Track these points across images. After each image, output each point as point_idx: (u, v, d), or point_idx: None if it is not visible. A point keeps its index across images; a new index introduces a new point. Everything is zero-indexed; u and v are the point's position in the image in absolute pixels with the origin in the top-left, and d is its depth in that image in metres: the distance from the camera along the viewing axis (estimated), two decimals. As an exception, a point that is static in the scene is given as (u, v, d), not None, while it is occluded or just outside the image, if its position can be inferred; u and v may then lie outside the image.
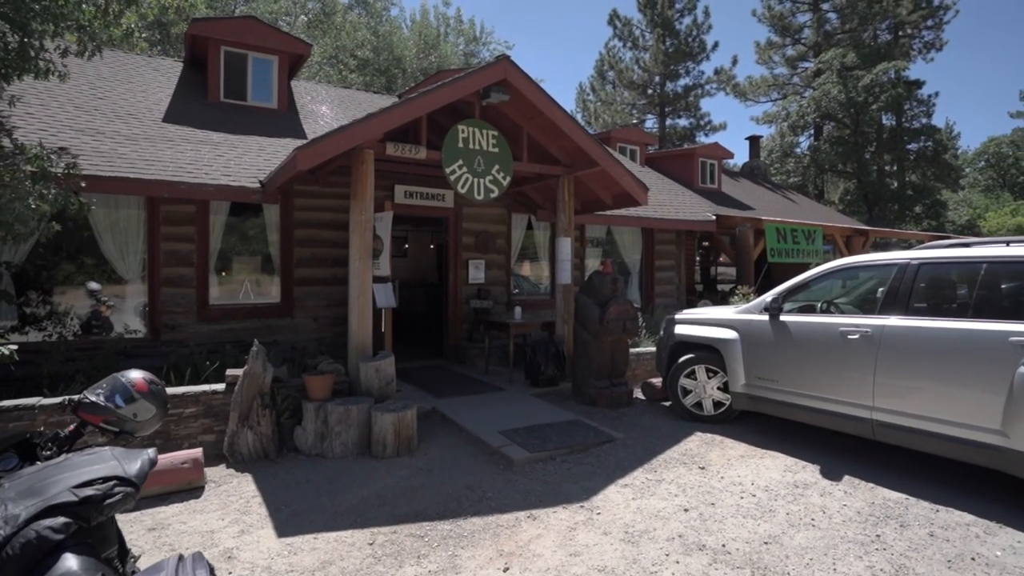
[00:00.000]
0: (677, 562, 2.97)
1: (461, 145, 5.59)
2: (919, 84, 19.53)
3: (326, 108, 9.12)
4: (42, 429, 2.30)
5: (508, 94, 5.61)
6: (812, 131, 22.29)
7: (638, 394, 6.20)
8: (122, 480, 1.87)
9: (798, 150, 22.59)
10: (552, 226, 8.37)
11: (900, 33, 21.15)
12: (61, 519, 1.70)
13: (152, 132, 6.55)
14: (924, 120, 20.04)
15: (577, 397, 5.80)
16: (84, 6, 4.50)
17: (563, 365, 6.16)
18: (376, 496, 3.88)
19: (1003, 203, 23.95)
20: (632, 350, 6.40)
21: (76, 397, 2.28)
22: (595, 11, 63.60)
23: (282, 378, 4.93)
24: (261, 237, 6.66)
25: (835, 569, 2.86)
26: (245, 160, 6.46)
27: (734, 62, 24.22)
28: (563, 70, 64.84)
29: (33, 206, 3.42)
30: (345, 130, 4.74)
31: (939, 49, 21.00)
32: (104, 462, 1.92)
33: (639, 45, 24.06)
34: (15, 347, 4.36)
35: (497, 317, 6.98)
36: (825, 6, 22.31)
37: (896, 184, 20.30)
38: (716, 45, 23.70)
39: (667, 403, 5.73)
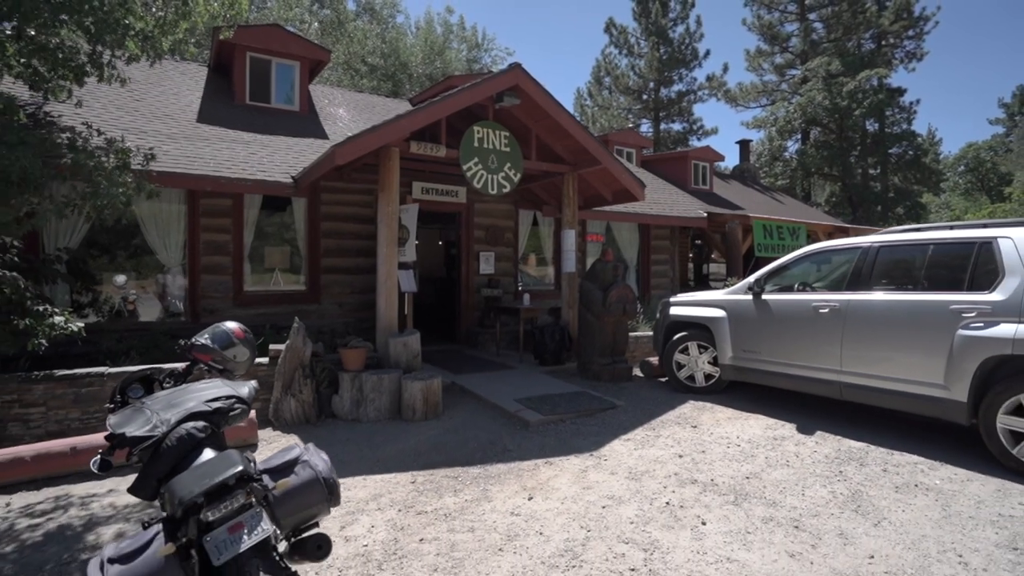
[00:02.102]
0: (673, 491, 3.56)
1: (477, 144, 6.19)
2: (901, 91, 20.42)
3: (343, 111, 9.69)
4: (161, 366, 2.87)
5: (519, 98, 6.21)
6: (799, 135, 23.15)
7: (637, 372, 6.80)
8: (239, 399, 2.49)
9: (786, 154, 23.45)
10: (556, 221, 8.99)
11: (883, 43, 22.07)
12: (201, 422, 2.33)
13: (189, 131, 7.08)
14: (904, 126, 20.93)
15: (582, 373, 6.39)
16: (145, 18, 5.05)
17: (569, 346, 6.75)
18: (411, 450, 4.45)
19: (980, 206, 24.94)
20: (631, 334, 7.01)
21: (190, 341, 2.90)
22: (592, 19, 64.87)
23: (319, 353, 5.49)
24: (290, 229, 7.21)
25: (803, 494, 3.46)
26: (276, 158, 7.01)
27: (725, 69, 25.08)
28: (561, 75, 65.97)
29: (121, 191, 3.97)
30: (377, 129, 5.32)
31: (919, 59, 21.94)
32: (220, 388, 2.54)
33: (634, 52, 24.88)
34: (82, 324, 4.92)
35: (507, 304, 7.57)
36: (812, 16, 23.20)
37: (879, 187, 21.17)
38: (708, 53, 24.57)
39: (663, 379, 6.33)
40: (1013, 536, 2.89)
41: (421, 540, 3.07)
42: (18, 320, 4.65)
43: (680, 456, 4.14)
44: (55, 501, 3.79)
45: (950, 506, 3.23)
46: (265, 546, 1.90)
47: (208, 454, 2.25)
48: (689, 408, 5.31)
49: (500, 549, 2.94)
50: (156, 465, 2.24)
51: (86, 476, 4.14)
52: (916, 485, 3.52)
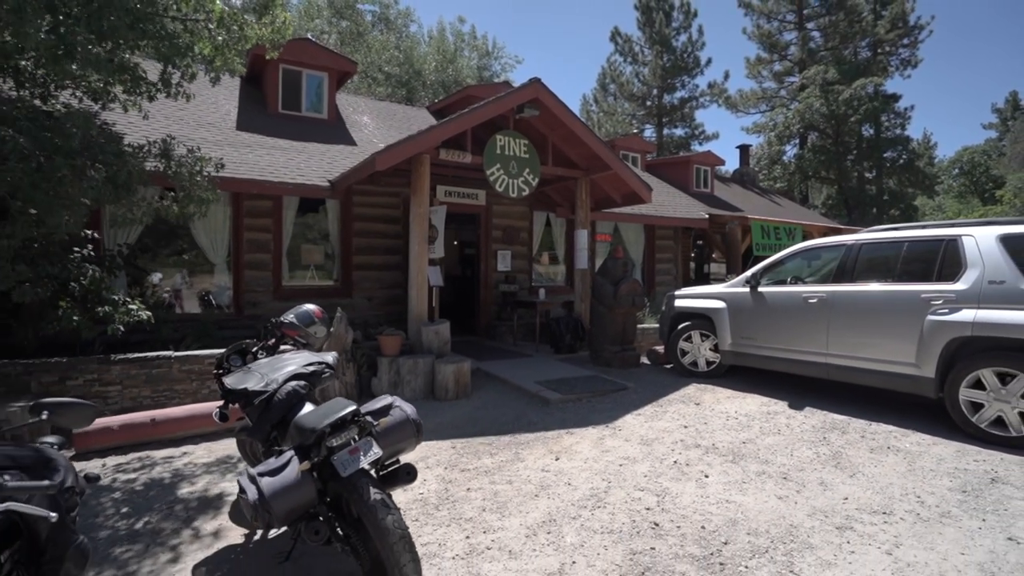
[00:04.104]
0: (680, 453, 4.15)
1: (499, 152, 6.78)
2: (896, 98, 21.07)
3: (367, 118, 10.30)
4: (253, 341, 3.47)
5: (538, 110, 6.81)
6: (797, 140, 23.81)
7: (644, 360, 7.38)
8: (327, 365, 3.11)
9: (784, 158, 24.10)
10: (568, 222, 9.59)
11: (879, 51, 22.73)
12: (302, 381, 2.94)
13: (231, 139, 7.69)
14: (899, 131, 21.58)
15: (594, 360, 6.98)
16: (204, 41, 5.65)
17: (582, 336, 7.34)
18: (447, 423, 5.03)
19: (973, 208, 25.57)
20: (639, 325, 7.59)
21: (279, 319, 3.53)
22: (598, 27, 66.04)
23: (359, 340, 6.08)
24: (324, 229, 7.82)
25: (792, 455, 4.05)
26: (312, 163, 7.61)
27: (726, 76, 25.89)
28: (567, 81, 67.13)
29: (207, 195, 4.58)
30: (413, 139, 5.93)
31: (914, 66, 22.59)
32: (310, 356, 3.16)
33: (639, 60, 25.58)
34: (150, 313, 5.52)
35: (524, 298, 8.17)
36: (810, 25, 23.88)
37: (874, 190, 21.79)
38: (709, 61, 25.28)
39: (669, 365, 6.91)
40: (964, 483, 3.47)
41: (468, 489, 3.66)
42: (98, 308, 5.26)
43: (685, 427, 4.72)
44: (141, 462, 4.39)
45: (915, 463, 3.81)
46: (367, 472, 2.49)
47: (309, 406, 2.85)
48: (692, 389, 5.90)
49: (536, 495, 3.53)
50: (270, 414, 2.86)
51: (164, 444, 4.74)
52: (888, 448, 4.11)
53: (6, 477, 1.70)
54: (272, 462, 2.43)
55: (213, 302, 7.13)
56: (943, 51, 65.09)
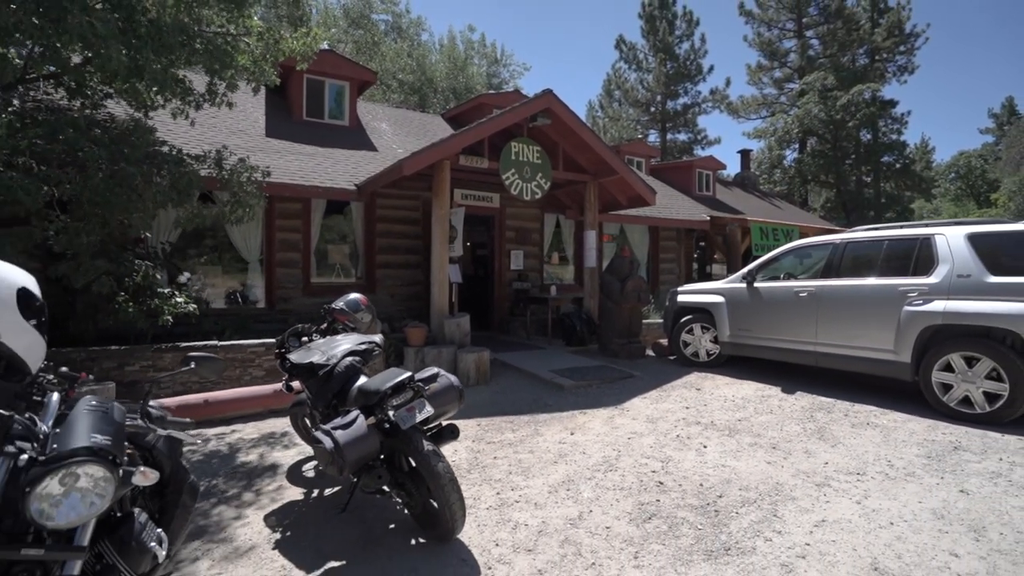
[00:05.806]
0: (682, 429, 4.64)
1: (514, 157, 7.30)
2: (893, 103, 21.56)
3: (385, 125, 10.84)
4: (307, 325, 3.98)
5: (550, 119, 7.32)
6: (797, 145, 24.31)
7: (649, 352, 7.88)
8: (377, 344, 3.63)
9: (784, 162, 24.60)
10: (577, 224, 10.10)
11: (876, 58, 23.24)
12: (357, 357, 3.45)
13: (262, 145, 8.22)
14: (895, 136, 22.09)
15: (603, 352, 7.48)
16: (242, 55, 6.17)
17: (592, 330, 7.84)
18: (470, 405, 5.52)
19: (968, 211, 26.02)
20: (643, 320, 8.09)
21: (330, 305, 4.06)
22: (603, 36, 66.99)
23: (385, 332, 6.59)
24: (349, 229, 8.34)
25: (782, 430, 4.53)
26: (338, 168, 8.14)
27: (727, 83, 26.42)
28: (574, 88, 68.02)
29: (255, 202, 5.11)
30: (436, 146, 6.45)
31: (911, 72, 23.10)
32: (360, 337, 3.68)
33: (643, 67, 26.19)
34: (195, 306, 6.03)
35: (536, 295, 8.68)
36: (809, 33, 24.43)
37: (872, 193, 22.27)
38: (712, 68, 25.86)
39: (672, 356, 7.41)
40: (930, 451, 3.96)
41: (495, 458, 4.16)
42: (149, 301, 5.78)
43: (687, 408, 5.22)
44: (195, 437, 4.89)
45: (890, 435, 4.30)
46: (420, 429, 2.98)
47: (364, 379, 3.35)
48: (694, 377, 6.39)
49: (555, 462, 4.03)
50: (331, 384, 3.37)
51: (215, 423, 5.25)
52: (868, 424, 4.59)
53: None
54: (340, 420, 2.93)
55: (244, 298, 7.63)
56: (941, 57, 65.88)
